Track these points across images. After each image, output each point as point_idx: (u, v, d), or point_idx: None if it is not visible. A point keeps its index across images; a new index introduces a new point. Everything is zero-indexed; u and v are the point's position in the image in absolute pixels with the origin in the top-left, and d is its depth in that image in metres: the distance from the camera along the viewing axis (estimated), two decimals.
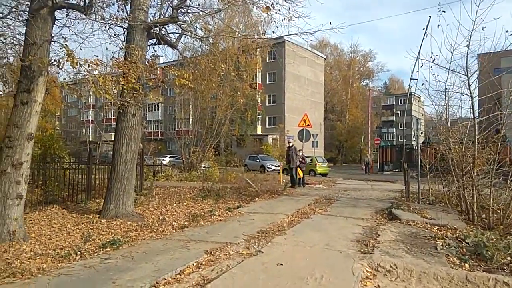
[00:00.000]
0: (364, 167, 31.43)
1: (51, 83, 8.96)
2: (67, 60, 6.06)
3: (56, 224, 7.59)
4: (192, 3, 9.13)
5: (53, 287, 3.97)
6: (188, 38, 10.56)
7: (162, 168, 21.93)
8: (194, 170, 21.32)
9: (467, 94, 8.05)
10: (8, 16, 6.94)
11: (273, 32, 25.58)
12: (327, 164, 29.61)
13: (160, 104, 55.26)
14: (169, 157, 37.37)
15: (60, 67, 6.38)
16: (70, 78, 8.53)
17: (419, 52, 9.20)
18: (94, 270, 4.51)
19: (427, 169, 10.31)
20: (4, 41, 7.36)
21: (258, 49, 33.90)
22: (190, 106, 28.91)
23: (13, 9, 6.78)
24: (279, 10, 9.45)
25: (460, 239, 6.03)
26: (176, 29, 9.53)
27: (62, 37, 6.69)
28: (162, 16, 9.16)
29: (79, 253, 5.27)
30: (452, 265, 4.79)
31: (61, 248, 5.63)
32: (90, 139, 53.06)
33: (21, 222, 6.17)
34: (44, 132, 34.23)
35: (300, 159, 16.18)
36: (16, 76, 7.96)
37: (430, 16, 9.40)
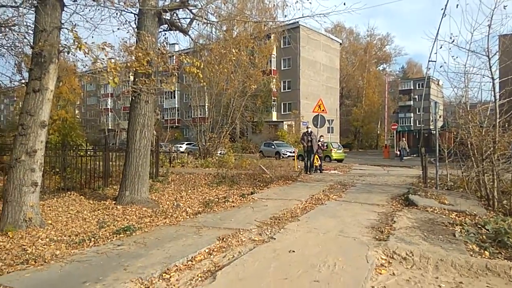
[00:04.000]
0: (398, 153, 28.62)
1: (68, 71, 9.00)
2: (77, 47, 6.04)
3: (73, 211, 7.71)
4: None
5: (65, 274, 3.99)
6: (200, 24, 10.43)
7: (178, 155, 22.10)
8: (210, 157, 21.42)
9: (488, 76, 7.74)
10: (22, 5, 6.94)
11: (285, 16, 25.20)
12: (343, 150, 29.21)
13: (176, 92, 55.33)
14: (186, 144, 37.65)
15: (71, 53, 6.36)
16: (85, 67, 8.53)
17: (437, 33, 8.80)
18: (106, 256, 4.54)
19: (445, 154, 10.03)
20: (19, 30, 7.41)
21: (272, 35, 33.48)
22: (205, 93, 28.94)
23: None
24: None
25: (479, 226, 5.85)
26: (187, 14, 9.42)
27: (72, 24, 6.63)
28: (172, 1, 9.04)
29: (93, 239, 5.32)
30: (471, 253, 4.63)
31: (76, 235, 5.70)
32: (109, 127, 53.93)
33: (37, 208, 6.26)
34: (64, 121, 35.00)
35: (320, 145, 15.99)
36: None
37: None
